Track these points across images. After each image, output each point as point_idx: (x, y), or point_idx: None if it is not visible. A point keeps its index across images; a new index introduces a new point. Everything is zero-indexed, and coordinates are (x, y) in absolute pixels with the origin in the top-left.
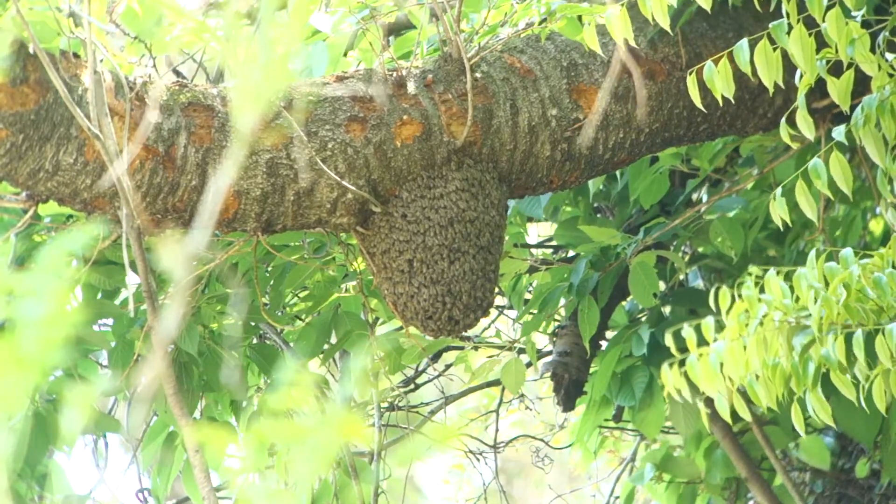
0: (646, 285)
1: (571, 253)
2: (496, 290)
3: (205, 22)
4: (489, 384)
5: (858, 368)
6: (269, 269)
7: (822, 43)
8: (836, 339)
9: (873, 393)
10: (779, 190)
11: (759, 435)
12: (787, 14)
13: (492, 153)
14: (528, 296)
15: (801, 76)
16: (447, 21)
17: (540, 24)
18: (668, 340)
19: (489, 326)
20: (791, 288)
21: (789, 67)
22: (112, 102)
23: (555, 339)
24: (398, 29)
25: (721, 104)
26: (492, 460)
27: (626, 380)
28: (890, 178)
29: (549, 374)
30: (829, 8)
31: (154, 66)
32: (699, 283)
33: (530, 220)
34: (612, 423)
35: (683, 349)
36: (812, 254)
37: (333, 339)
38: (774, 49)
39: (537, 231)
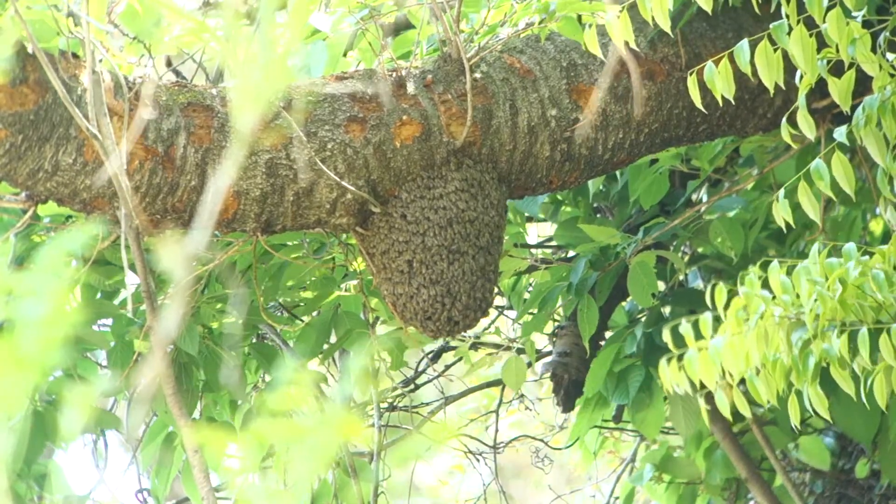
0: (645, 285)
1: (571, 253)
2: (496, 290)
3: (204, 22)
4: (489, 384)
5: (858, 363)
6: (268, 267)
7: (821, 43)
8: (838, 335)
9: (874, 389)
10: (781, 192)
11: (758, 435)
12: (787, 15)
13: (491, 153)
14: (527, 296)
15: (802, 76)
16: (447, 21)
17: (539, 24)
18: (666, 336)
19: (489, 326)
20: (792, 284)
21: (789, 67)
22: (111, 102)
23: (554, 339)
24: (398, 29)
25: (721, 104)
26: (491, 461)
27: (623, 378)
28: (890, 177)
29: (548, 374)
30: (829, 8)
31: (153, 66)
32: (699, 284)
33: (530, 220)
34: (611, 424)
35: (681, 346)
36: (815, 248)
37: (333, 339)
38: (775, 50)
39: (537, 231)
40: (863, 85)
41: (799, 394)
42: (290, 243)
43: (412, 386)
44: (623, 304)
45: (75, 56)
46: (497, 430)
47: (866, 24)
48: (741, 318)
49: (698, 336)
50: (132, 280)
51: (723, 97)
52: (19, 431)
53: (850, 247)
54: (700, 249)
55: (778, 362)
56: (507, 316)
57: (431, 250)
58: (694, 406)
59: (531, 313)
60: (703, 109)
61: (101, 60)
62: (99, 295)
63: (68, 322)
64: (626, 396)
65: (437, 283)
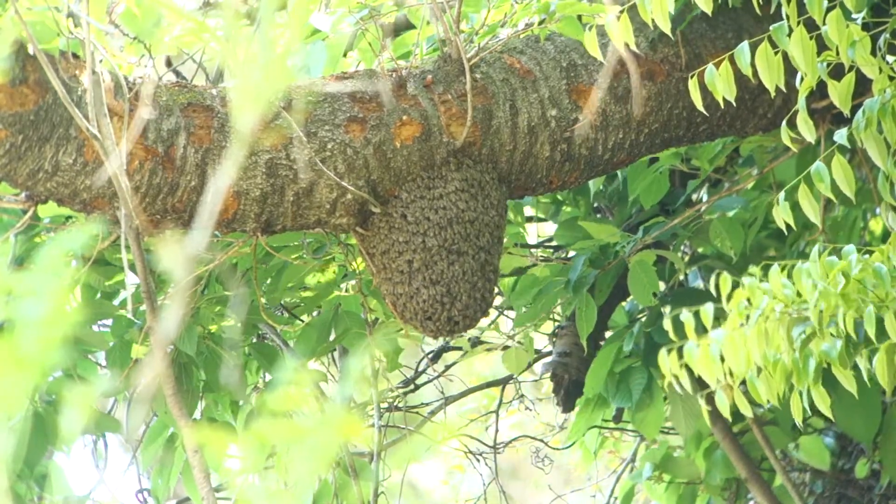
0: (645, 284)
1: (571, 253)
2: (496, 290)
3: (204, 22)
4: (489, 384)
5: (860, 357)
6: (267, 267)
7: (821, 45)
8: (844, 318)
9: (877, 372)
10: (781, 195)
11: (758, 435)
12: (788, 16)
13: (491, 154)
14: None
15: (802, 78)
16: (447, 21)
17: (539, 24)
18: (667, 325)
19: (489, 326)
20: (793, 283)
21: (789, 68)
22: (111, 103)
23: (554, 339)
24: (398, 29)
25: (722, 106)
26: (491, 461)
27: (624, 380)
28: (891, 181)
29: (548, 374)
30: (829, 10)
31: (153, 66)
32: (699, 284)
33: (530, 219)
34: (611, 424)
35: (683, 337)
36: (815, 249)
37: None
38: (776, 52)
39: (537, 231)
40: (863, 85)
41: (801, 392)
42: (290, 244)
43: (412, 386)
44: (623, 303)
45: (75, 56)
46: (497, 431)
47: (865, 26)
48: (743, 312)
49: (700, 327)
50: (132, 280)
51: (724, 98)
52: (19, 432)
53: (850, 248)
54: (700, 249)
55: (779, 363)
56: (507, 316)
57: (431, 250)
58: (694, 406)
59: (526, 307)
60: (704, 111)
61: (101, 61)
62: (98, 295)
63: (68, 322)
64: (628, 399)
65: (437, 283)
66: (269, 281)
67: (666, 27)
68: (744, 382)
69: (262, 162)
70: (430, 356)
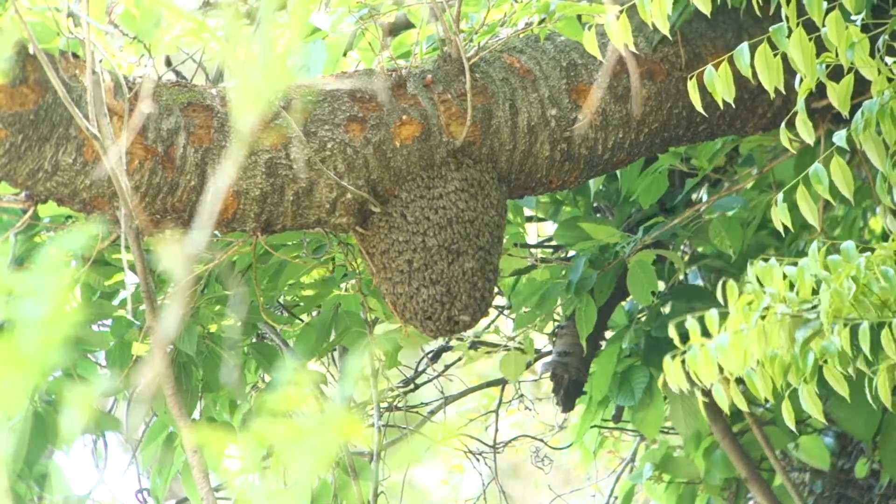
0: (644, 284)
1: (571, 253)
2: (496, 290)
3: (204, 22)
4: (489, 384)
5: (861, 362)
6: (266, 266)
7: (821, 46)
8: (840, 332)
9: (878, 388)
10: (780, 196)
11: (758, 435)
12: (787, 18)
13: (491, 153)
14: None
15: (801, 80)
16: (446, 21)
17: (539, 23)
18: (672, 332)
19: (489, 326)
20: (790, 283)
21: (789, 68)
22: (111, 103)
23: (554, 339)
24: (398, 29)
25: (721, 107)
26: (491, 460)
27: (626, 380)
28: (890, 184)
29: (548, 374)
30: (828, 11)
31: (153, 66)
32: (698, 283)
33: (530, 219)
34: (611, 424)
35: (686, 343)
36: (813, 246)
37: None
38: (775, 54)
39: (537, 231)
40: (862, 86)
41: (793, 396)
42: (289, 243)
43: (412, 386)
44: (623, 303)
45: (75, 56)
46: (497, 430)
47: (865, 27)
48: (746, 314)
49: (704, 333)
50: (132, 280)
51: (723, 99)
52: (19, 432)
53: (849, 245)
54: (700, 249)
55: (777, 358)
56: (506, 316)
57: (431, 250)
58: (694, 406)
59: (526, 310)
60: (704, 113)
61: (101, 60)
62: (98, 295)
63: (68, 322)
64: (631, 398)
65: (436, 283)
66: (267, 280)
67: (665, 28)
68: (742, 381)
69: (261, 161)
70: (429, 356)
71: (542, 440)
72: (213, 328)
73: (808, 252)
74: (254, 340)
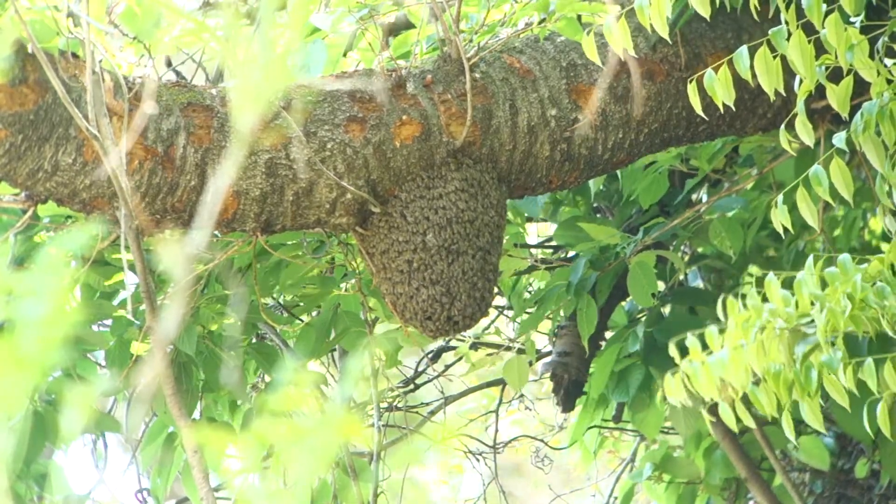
0: (644, 285)
1: (571, 253)
2: (495, 290)
3: (204, 22)
4: (489, 384)
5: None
6: (265, 265)
7: (820, 47)
8: (839, 347)
9: (879, 418)
10: (780, 198)
11: (758, 435)
12: (787, 21)
13: (491, 153)
14: (527, 296)
15: (801, 81)
16: (446, 21)
17: (539, 24)
18: (672, 350)
19: (489, 327)
20: (791, 293)
21: (789, 68)
22: (111, 103)
23: (554, 339)
24: (398, 29)
25: (721, 110)
26: (491, 461)
27: (623, 377)
28: (889, 185)
29: (548, 374)
30: (827, 13)
31: (153, 66)
32: (699, 284)
33: (530, 219)
34: (611, 424)
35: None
36: (810, 260)
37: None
38: (774, 57)
39: (537, 231)
40: (861, 86)
41: (794, 406)
42: (289, 242)
43: (412, 386)
44: (623, 303)
45: (75, 56)
46: (497, 430)
47: (864, 29)
48: (745, 329)
49: (705, 349)
50: (132, 280)
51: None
52: (19, 431)
53: (845, 258)
54: (700, 249)
55: (780, 374)
56: (506, 316)
57: (431, 250)
58: (694, 406)
59: (528, 312)
60: (704, 116)
61: (100, 60)
62: (98, 295)
63: (68, 322)
64: (626, 394)
65: (436, 283)
66: (267, 280)
67: (664, 31)
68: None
69: (261, 162)
70: (429, 356)
71: (542, 440)
72: (213, 328)
73: (806, 266)
74: (254, 341)
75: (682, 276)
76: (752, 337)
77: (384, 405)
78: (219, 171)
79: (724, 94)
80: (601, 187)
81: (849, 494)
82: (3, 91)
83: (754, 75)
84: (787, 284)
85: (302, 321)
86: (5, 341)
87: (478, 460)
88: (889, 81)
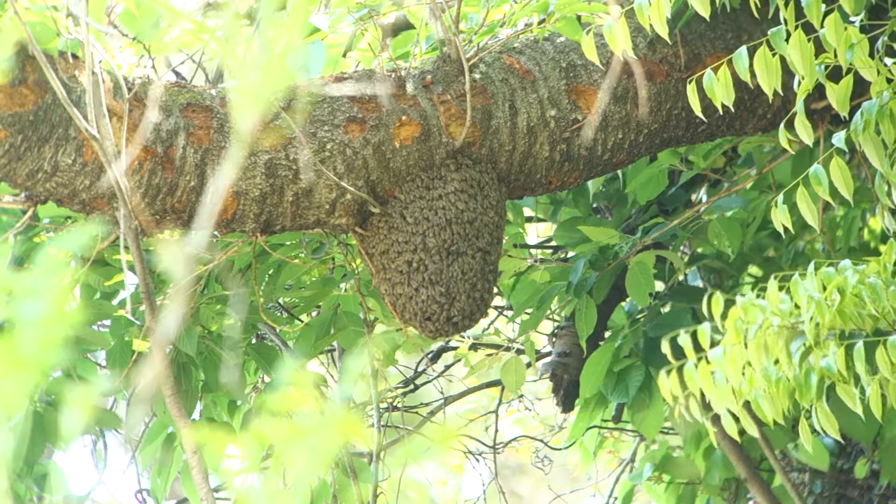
0: (643, 285)
1: (571, 253)
2: (495, 290)
3: (203, 23)
4: (489, 384)
5: (861, 375)
6: (264, 265)
7: (820, 47)
8: (837, 347)
9: (870, 399)
10: (780, 197)
11: (758, 435)
12: (786, 21)
13: (491, 154)
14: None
15: (800, 81)
16: (446, 21)
17: (539, 24)
18: (665, 347)
19: (488, 327)
20: (790, 296)
21: (788, 68)
22: (111, 103)
23: (554, 339)
24: (398, 29)
25: (720, 111)
26: (491, 461)
27: (623, 377)
28: (889, 184)
29: (548, 374)
30: (827, 13)
31: (153, 66)
32: (698, 284)
33: (529, 220)
34: (611, 424)
35: (680, 356)
36: (811, 266)
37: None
38: (774, 56)
39: (537, 231)
40: (861, 86)
41: (808, 413)
42: (288, 243)
43: (412, 386)
44: (622, 303)
45: (74, 57)
46: (497, 430)
47: (864, 28)
48: (740, 329)
49: (697, 347)
50: (132, 280)
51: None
52: (19, 432)
53: (846, 263)
54: (699, 249)
55: (781, 381)
56: (506, 316)
57: (430, 251)
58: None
59: (527, 312)
60: (703, 117)
61: (100, 61)
62: (98, 295)
63: (68, 322)
64: (625, 395)
65: (436, 284)
66: (266, 278)
67: (664, 32)
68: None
69: (261, 162)
70: (429, 356)
71: (542, 440)
72: (213, 328)
73: (808, 271)
74: (253, 341)
75: (681, 277)
76: (752, 333)
77: (384, 405)
78: (218, 172)
79: (723, 95)
80: (601, 187)
81: (848, 495)
82: (3, 91)
83: (753, 76)
84: (786, 291)
85: (302, 321)
86: (5, 341)
87: (478, 460)
88: (889, 81)
